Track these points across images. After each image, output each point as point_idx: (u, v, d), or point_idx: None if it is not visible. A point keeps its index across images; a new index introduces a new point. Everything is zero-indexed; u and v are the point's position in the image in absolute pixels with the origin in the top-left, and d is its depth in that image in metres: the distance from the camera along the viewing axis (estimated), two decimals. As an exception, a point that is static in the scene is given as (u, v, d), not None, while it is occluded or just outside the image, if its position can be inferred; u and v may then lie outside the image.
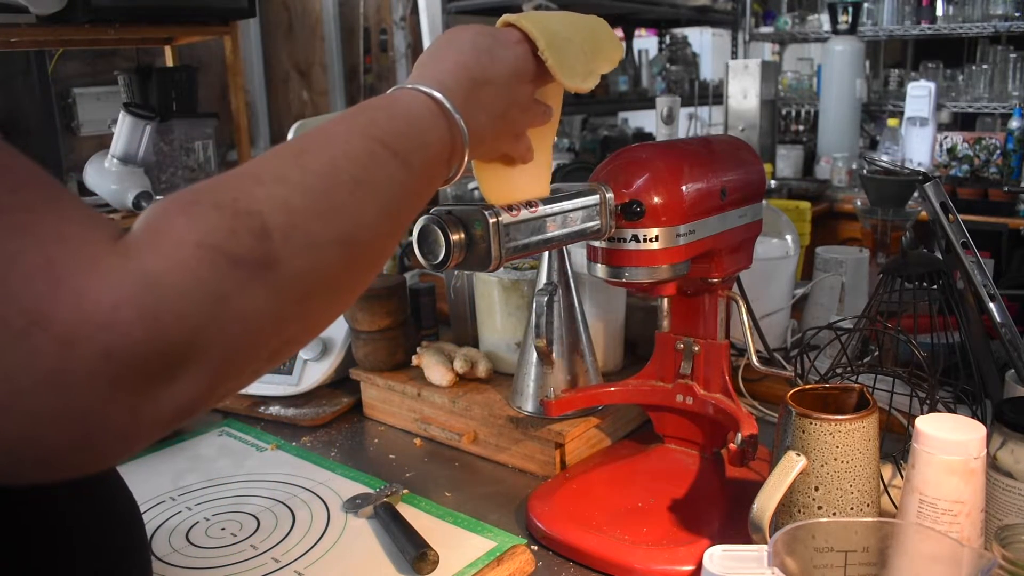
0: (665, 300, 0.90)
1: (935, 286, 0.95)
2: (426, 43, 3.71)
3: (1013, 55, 3.47)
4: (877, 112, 3.83)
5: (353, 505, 0.91)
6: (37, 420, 0.34)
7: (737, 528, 0.75)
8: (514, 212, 0.66)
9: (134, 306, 0.34)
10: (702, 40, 4.71)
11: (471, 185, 1.50)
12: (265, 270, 0.39)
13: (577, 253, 1.04)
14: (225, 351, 0.38)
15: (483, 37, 0.61)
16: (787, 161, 3.45)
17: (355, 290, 0.49)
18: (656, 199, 0.77)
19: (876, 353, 1.04)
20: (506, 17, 0.65)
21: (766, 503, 0.65)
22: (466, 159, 0.57)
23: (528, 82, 0.63)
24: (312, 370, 1.18)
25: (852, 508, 0.66)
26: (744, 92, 3.26)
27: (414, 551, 0.79)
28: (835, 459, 0.66)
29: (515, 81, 0.61)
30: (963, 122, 3.71)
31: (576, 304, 0.99)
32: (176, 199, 0.40)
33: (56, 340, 0.33)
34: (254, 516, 0.91)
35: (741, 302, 0.88)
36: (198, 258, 0.37)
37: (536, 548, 0.82)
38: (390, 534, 0.84)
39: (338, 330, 1.20)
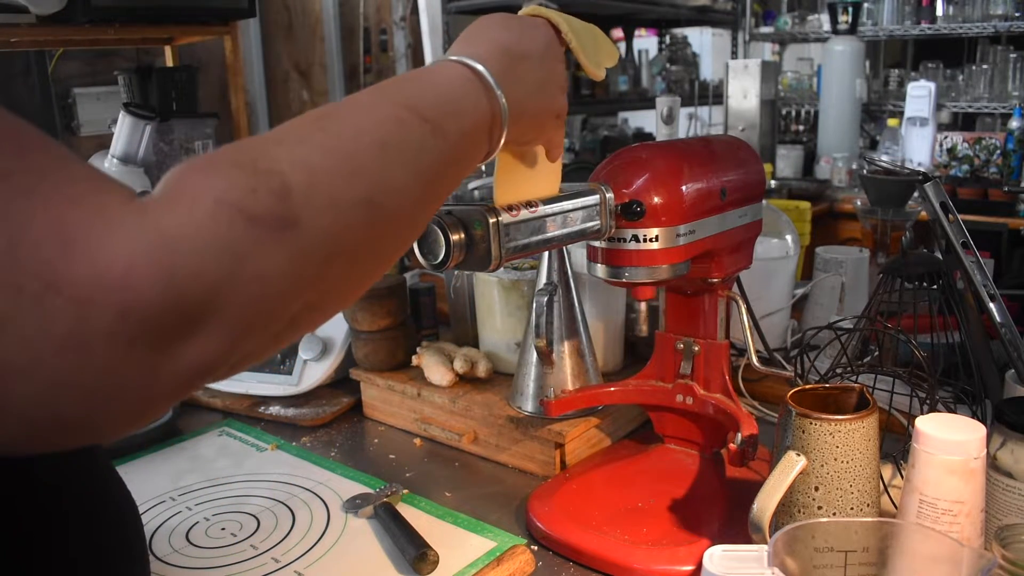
0: (644, 304, 0.89)
1: (935, 286, 0.95)
2: (426, 43, 3.71)
3: (1013, 55, 3.47)
4: (877, 112, 3.83)
5: (353, 505, 0.91)
6: (57, 384, 0.33)
7: (737, 528, 0.75)
8: (514, 212, 0.66)
9: (149, 264, 0.34)
10: (702, 40, 4.71)
11: (471, 185, 1.50)
12: (285, 229, 0.38)
13: (577, 253, 1.04)
14: (243, 310, 0.37)
15: (513, 20, 0.61)
16: (787, 161, 3.45)
17: (382, 258, 0.48)
18: (656, 199, 0.77)
19: (876, 353, 1.04)
20: (528, 8, 0.66)
21: (766, 503, 0.65)
22: (505, 131, 0.55)
23: (560, 61, 0.63)
24: (312, 370, 1.18)
25: (852, 508, 0.66)
26: (744, 92, 3.26)
27: (414, 551, 0.79)
28: (835, 459, 0.66)
29: (549, 57, 0.61)
30: (963, 122, 3.71)
31: (576, 304, 0.99)
32: (195, 160, 0.39)
33: (72, 302, 0.32)
34: (254, 516, 0.91)
35: (741, 302, 0.88)
36: (215, 215, 0.36)
37: (536, 548, 0.82)
38: (390, 534, 0.84)
39: (338, 330, 1.20)
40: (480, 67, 0.54)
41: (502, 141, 0.56)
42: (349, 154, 0.43)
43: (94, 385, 0.34)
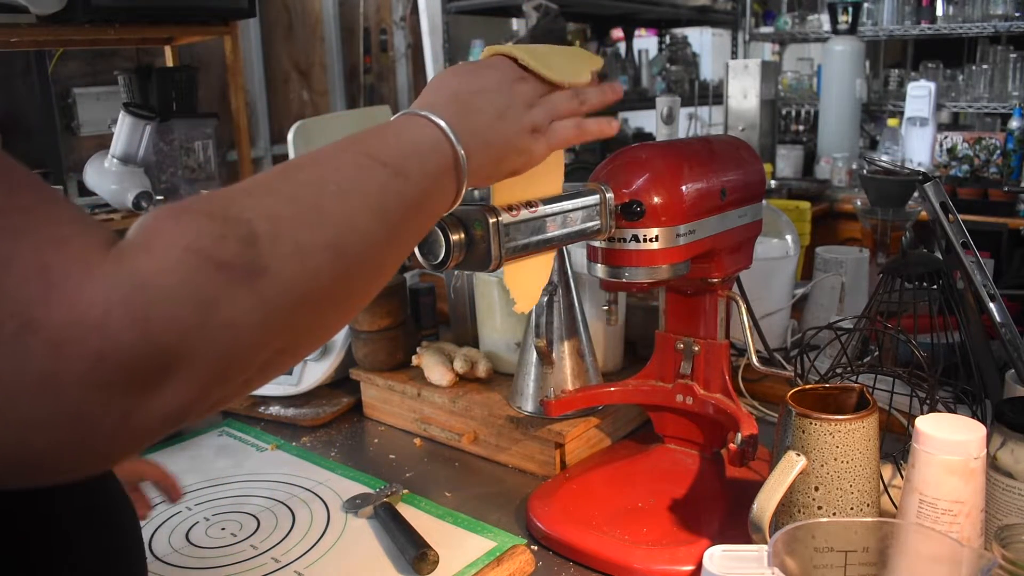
0: (611, 305, 0.89)
1: (935, 286, 0.95)
2: (426, 43, 3.71)
3: (1013, 55, 3.47)
4: (877, 112, 3.83)
5: (353, 505, 0.91)
6: (28, 425, 0.33)
7: (737, 528, 0.75)
8: (514, 212, 0.66)
9: (125, 308, 0.34)
10: (702, 40, 4.70)
11: (471, 185, 1.50)
12: (253, 276, 0.39)
13: (577, 253, 1.04)
14: (213, 358, 0.38)
15: (467, 66, 0.63)
16: (787, 161, 3.44)
17: (351, 303, 0.49)
18: (656, 199, 0.77)
19: (876, 353, 1.04)
20: (484, 51, 0.67)
21: (766, 503, 0.65)
22: (464, 164, 0.56)
23: (521, 81, 0.63)
24: (312, 370, 1.18)
25: (852, 508, 0.66)
26: (744, 92, 3.26)
27: (414, 551, 0.79)
28: (835, 459, 0.66)
29: (507, 81, 0.62)
30: (953, 119, 3.70)
31: (576, 304, 0.99)
32: (169, 207, 0.40)
33: (47, 343, 0.33)
34: (254, 516, 0.91)
35: (741, 302, 0.88)
36: (187, 262, 0.37)
37: (536, 548, 0.82)
38: (390, 534, 0.84)
39: (338, 330, 1.19)
40: (430, 113, 0.56)
41: (465, 178, 0.57)
42: (313, 202, 0.45)
43: (65, 427, 0.34)
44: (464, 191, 0.58)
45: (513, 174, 0.64)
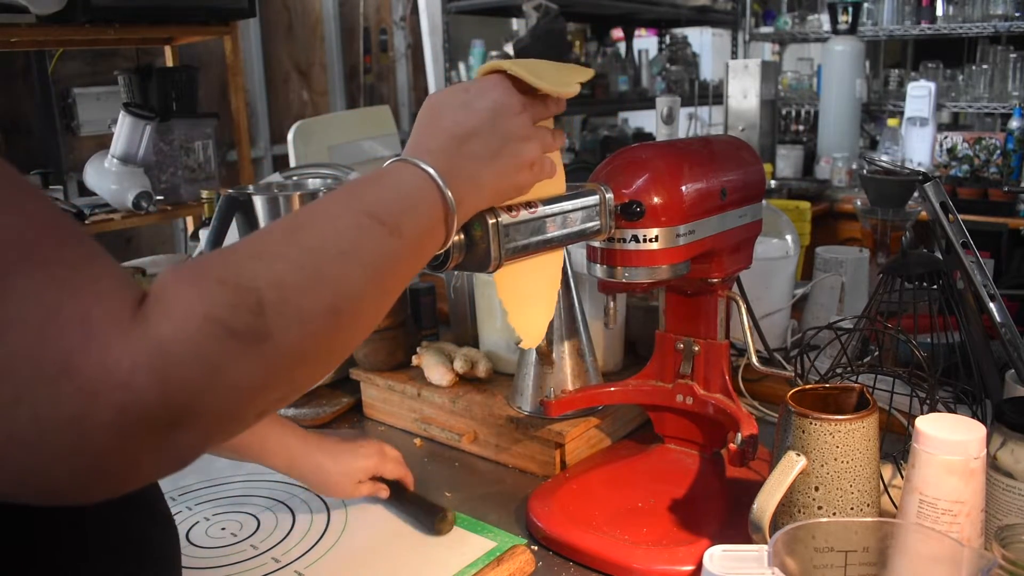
0: (610, 306, 0.90)
1: (935, 286, 0.95)
2: (426, 43, 3.71)
3: (1013, 55, 3.47)
4: (877, 112, 3.83)
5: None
6: (55, 459, 0.38)
7: (737, 528, 0.75)
8: (513, 213, 0.66)
9: (148, 370, 0.39)
10: (702, 40, 4.70)
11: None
12: (259, 343, 0.43)
13: (577, 253, 1.04)
14: (218, 414, 0.43)
15: (458, 95, 0.64)
16: (787, 161, 3.44)
17: (343, 354, 0.53)
18: (656, 199, 0.77)
19: (876, 353, 1.04)
20: (481, 68, 0.68)
21: (766, 503, 0.65)
22: (455, 220, 0.58)
23: (517, 114, 0.64)
24: (312, 370, 1.18)
25: (852, 508, 0.66)
26: (744, 92, 3.26)
27: (433, 515, 0.86)
28: (835, 459, 0.66)
29: (501, 119, 0.63)
30: (951, 119, 3.70)
31: (576, 304, 0.99)
32: (184, 270, 0.44)
33: (81, 391, 0.37)
34: (254, 516, 0.92)
35: (741, 302, 0.88)
36: (203, 331, 0.41)
37: (536, 548, 0.82)
38: (403, 507, 0.89)
39: (338, 330, 1.19)
40: (429, 169, 0.58)
41: (455, 227, 0.59)
42: (316, 267, 0.49)
43: (87, 465, 0.39)
44: (454, 234, 0.59)
45: (507, 200, 0.66)
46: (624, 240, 0.78)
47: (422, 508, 0.88)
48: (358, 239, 0.52)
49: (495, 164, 0.62)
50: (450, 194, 0.57)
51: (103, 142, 2.29)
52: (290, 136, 1.56)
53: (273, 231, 0.51)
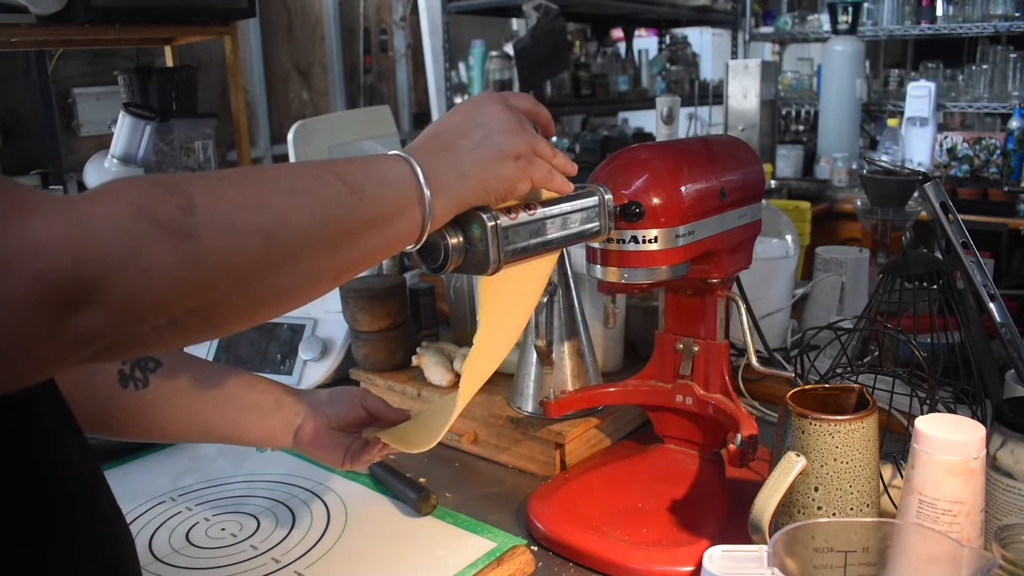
0: (609, 306, 0.90)
1: (935, 286, 0.95)
2: (426, 43, 3.71)
3: (1013, 55, 3.47)
4: (877, 112, 3.83)
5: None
6: None
7: (737, 528, 0.75)
8: (512, 215, 0.66)
9: (64, 238, 0.40)
10: (702, 40, 4.70)
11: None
12: (181, 238, 0.44)
13: (577, 253, 1.04)
14: (126, 295, 0.43)
15: (457, 107, 0.66)
16: (787, 161, 3.44)
17: (280, 294, 0.52)
18: (655, 200, 0.77)
19: (876, 353, 1.04)
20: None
21: (766, 503, 0.65)
22: (432, 202, 0.58)
23: (501, 110, 0.65)
24: (312, 370, 1.18)
25: (852, 508, 0.66)
26: (744, 92, 3.25)
27: (416, 493, 0.89)
28: (835, 459, 0.66)
29: (483, 113, 0.64)
30: (962, 122, 3.71)
31: (576, 304, 0.99)
32: (126, 177, 0.45)
33: None
34: (254, 516, 0.92)
35: (741, 302, 0.88)
36: (125, 213, 0.43)
37: (536, 548, 0.82)
38: (388, 484, 0.93)
39: (338, 330, 1.20)
40: (404, 152, 0.59)
41: (429, 209, 0.58)
42: (259, 193, 0.50)
43: (7, 339, 0.39)
44: (429, 226, 0.59)
45: (501, 200, 0.65)
46: (623, 241, 0.78)
47: (408, 487, 0.92)
48: (313, 186, 0.52)
49: (477, 152, 0.62)
50: (420, 170, 0.58)
51: (103, 142, 2.29)
52: (290, 136, 1.56)
53: (234, 168, 0.52)
